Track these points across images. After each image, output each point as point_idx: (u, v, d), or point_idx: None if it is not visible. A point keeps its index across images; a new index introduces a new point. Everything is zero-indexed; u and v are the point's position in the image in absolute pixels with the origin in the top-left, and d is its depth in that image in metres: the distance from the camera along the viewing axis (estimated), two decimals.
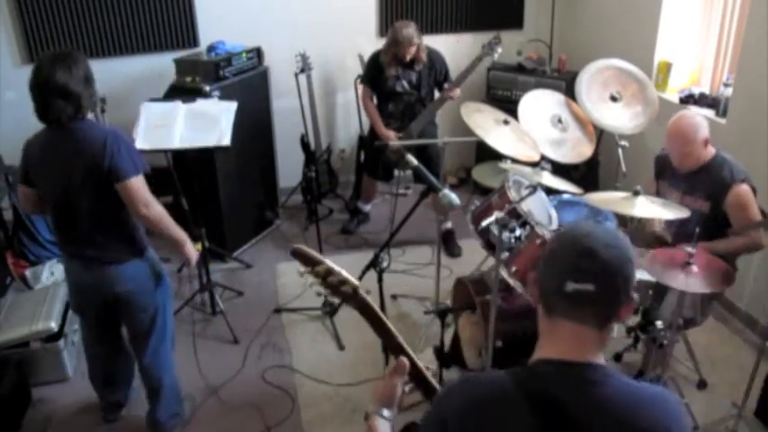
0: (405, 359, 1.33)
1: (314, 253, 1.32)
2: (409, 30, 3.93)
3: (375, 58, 4.18)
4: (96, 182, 2.29)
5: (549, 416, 1.08)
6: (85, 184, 2.30)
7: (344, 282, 1.32)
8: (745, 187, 2.69)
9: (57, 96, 2.19)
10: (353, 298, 1.33)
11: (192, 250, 2.60)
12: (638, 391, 1.14)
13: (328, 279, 1.31)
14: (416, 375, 1.36)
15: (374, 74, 4.18)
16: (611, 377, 1.13)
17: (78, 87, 2.22)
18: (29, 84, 2.24)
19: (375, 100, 4.29)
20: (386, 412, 1.30)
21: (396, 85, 4.13)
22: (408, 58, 4.01)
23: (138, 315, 2.56)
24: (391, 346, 1.35)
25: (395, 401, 1.32)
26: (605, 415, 1.09)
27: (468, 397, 1.14)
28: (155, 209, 2.37)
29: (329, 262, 1.32)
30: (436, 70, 4.15)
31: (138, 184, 2.32)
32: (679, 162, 2.81)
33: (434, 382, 1.39)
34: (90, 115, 2.38)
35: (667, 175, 2.95)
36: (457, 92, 4.00)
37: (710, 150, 2.78)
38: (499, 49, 3.83)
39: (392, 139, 4.08)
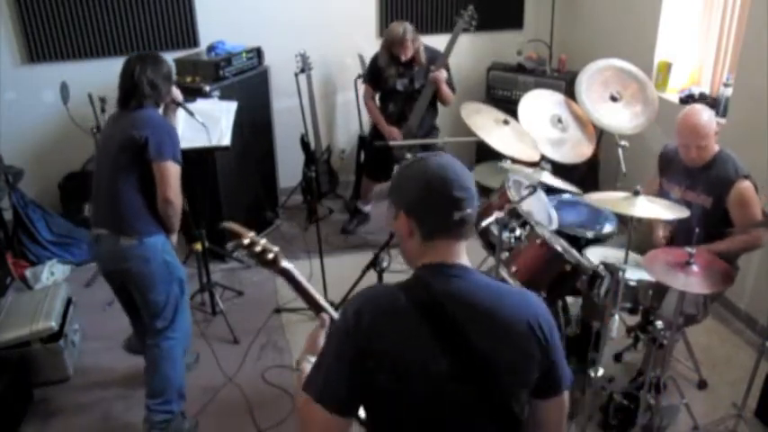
0: (325, 315, 1.53)
1: (240, 228, 1.53)
2: (402, 28, 3.95)
3: (376, 59, 4.20)
4: (131, 153, 2.45)
5: (434, 320, 1.26)
6: (120, 152, 2.46)
7: (266, 250, 1.52)
8: (747, 183, 2.68)
9: (143, 86, 2.48)
10: (273, 264, 1.53)
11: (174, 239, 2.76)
12: (499, 285, 1.36)
13: (253, 248, 1.50)
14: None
15: (375, 73, 4.19)
16: (474, 273, 1.34)
17: (159, 81, 2.54)
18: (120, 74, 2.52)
19: (377, 100, 4.29)
20: (312, 358, 1.44)
21: (397, 83, 4.14)
22: (404, 56, 4.01)
23: (138, 296, 2.65)
24: (313, 306, 1.57)
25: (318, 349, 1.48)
26: (473, 304, 1.29)
27: (372, 308, 1.29)
28: (179, 201, 2.55)
29: (253, 234, 1.52)
30: (436, 66, 4.14)
31: (174, 169, 2.50)
32: (689, 156, 2.77)
33: None
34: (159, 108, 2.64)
35: (671, 170, 2.94)
36: (443, 74, 4.01)
37: (715, 146, 2.77)
38: (473, 19, 4.05)
39: (397, 135, 4.11)
